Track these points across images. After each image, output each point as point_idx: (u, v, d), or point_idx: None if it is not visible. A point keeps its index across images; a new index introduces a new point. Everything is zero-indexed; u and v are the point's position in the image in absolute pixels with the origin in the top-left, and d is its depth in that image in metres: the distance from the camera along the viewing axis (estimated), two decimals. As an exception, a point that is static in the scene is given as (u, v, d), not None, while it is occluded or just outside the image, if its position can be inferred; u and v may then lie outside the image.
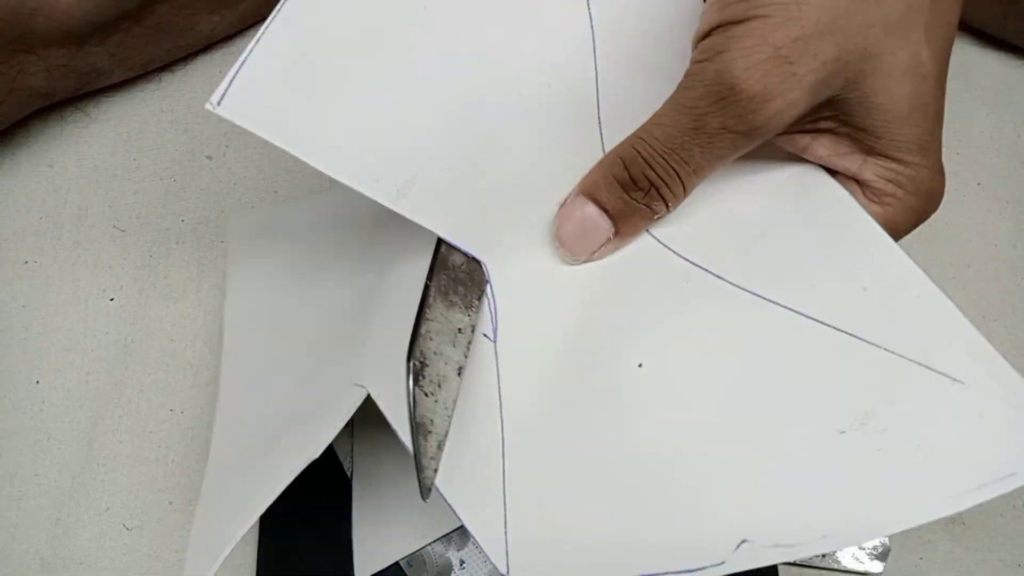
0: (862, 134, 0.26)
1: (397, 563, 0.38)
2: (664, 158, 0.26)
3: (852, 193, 0.27)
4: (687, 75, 0.26)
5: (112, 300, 0.42)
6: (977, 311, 0.44)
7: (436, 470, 0.25)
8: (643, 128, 0.27)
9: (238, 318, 0.39)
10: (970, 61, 0.49)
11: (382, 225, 0.37)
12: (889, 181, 0.27)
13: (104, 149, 0.45)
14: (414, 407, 0.24)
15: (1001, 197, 0.46)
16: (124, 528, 0.39)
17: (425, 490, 0.25)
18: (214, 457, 0.35)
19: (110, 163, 0.45)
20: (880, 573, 0.39)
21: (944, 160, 0.47)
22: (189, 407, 0.41)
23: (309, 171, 0.44)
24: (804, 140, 0.27)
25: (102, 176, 0.44)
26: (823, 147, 0.27)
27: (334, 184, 0.29)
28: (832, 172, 0.28)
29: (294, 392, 0.34)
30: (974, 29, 0.49)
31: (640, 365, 0.28)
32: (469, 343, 0.27)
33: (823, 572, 0.39)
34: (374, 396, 0.31)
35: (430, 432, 0.25)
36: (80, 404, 0.40)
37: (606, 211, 0.28)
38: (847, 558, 0.39)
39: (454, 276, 0.28)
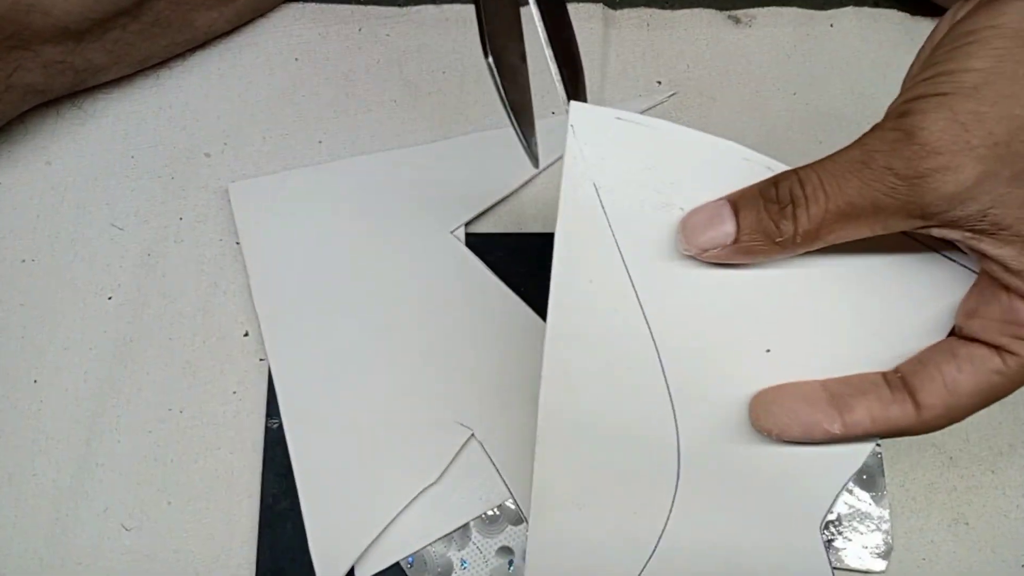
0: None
1: (398, 563, 0.38)
2: (819, 177, 0.27)
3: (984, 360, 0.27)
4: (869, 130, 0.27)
5: (110, 299, 0.42)
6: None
7: (537, 142, 0.30)
8: (815, 162, 0.27)
9: (268, 306, 0.42)
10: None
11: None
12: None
13: (102, 146, 0.45)
14: (506, 95, 0.28)
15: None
16: (123, 528, 0.39)
17: (533, 158, 0.29)
18: (306, 477, 0.39)
19: (108, 160, 0.44)
20: (883, 572, 0.39)
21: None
22: (188, 406, 0.40)
23: (307, 165, 0.44)
24: (986, 243, 0.26)
25: (100, 174, 0.44)
26: (993, 265, 0.27)
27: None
28: (1005, 288, 0.27)
29: (382, 415, 0.40)
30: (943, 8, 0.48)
31: (768, 351, 0.30)
32: (521, 31, 0.31)
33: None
34: (478, 437, 0.39)
35: (522, 111, 0.29)
36: (78, 403, 0.40)
37: (736, 216, 0.28)
38: (850, 557, 0.38)
39: None
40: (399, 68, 0.47)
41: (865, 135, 0.26)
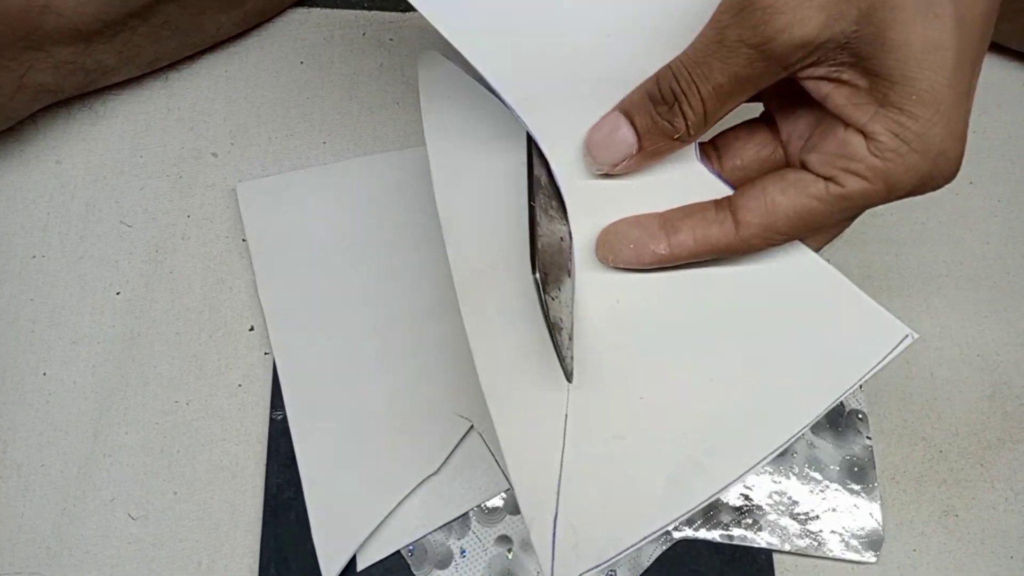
0: (876, 80, 0.26)
1: (399, 552, 0.38)
2: (688, 70, 0.28)
3: (858, 146, 0.27)
4: None
5: (119, 294, 0.43)
6: (970, 307, 0.44)
7: (572, 358, 0.29)
8: (683, 51, 0.29)
9: (274, 302, 0.43)
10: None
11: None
12: (895, 135, 0.26)
13: (111, 146, 0.46)
14: (547, 311, 0.28)
15: (993, 195, 0.47)
16: (129, 518, 0.39)
17: (568, 374, 0.28)
18: (309, 467, 0.40)
19: (117, 160, 0.45)
20: (874, 563, 0.39)
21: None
22: (194, 399, 0.41)
23: (312, 165, 0.45)
24: (825, 87, 0.27)
25: (109, 172, 0.45)
26: (841, 96, 0.27)
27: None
28: (844, 124, 0.28)
29: (384, 406, 0.40)
30: None
31: None
32: (571, 248, 0.31)
33: (817, 561, 0.39)
34: (477, 428, 0.40)
35: (562, 328, 0.28)
36: (86, 396, 0.41)
37: (633, 125, 0.29)
38: (841, 548, 0.39)
39: (547, 193, 0.31)
40: (401, 71, 0.48)
41: (717, 8, 0.27)
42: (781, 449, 0.30)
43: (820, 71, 0.27)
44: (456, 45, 0.30)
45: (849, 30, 0.25)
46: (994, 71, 0.49)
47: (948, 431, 0.42)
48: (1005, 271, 0.45)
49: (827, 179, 0.28)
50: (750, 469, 0.29)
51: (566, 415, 0.30)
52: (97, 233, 0.44)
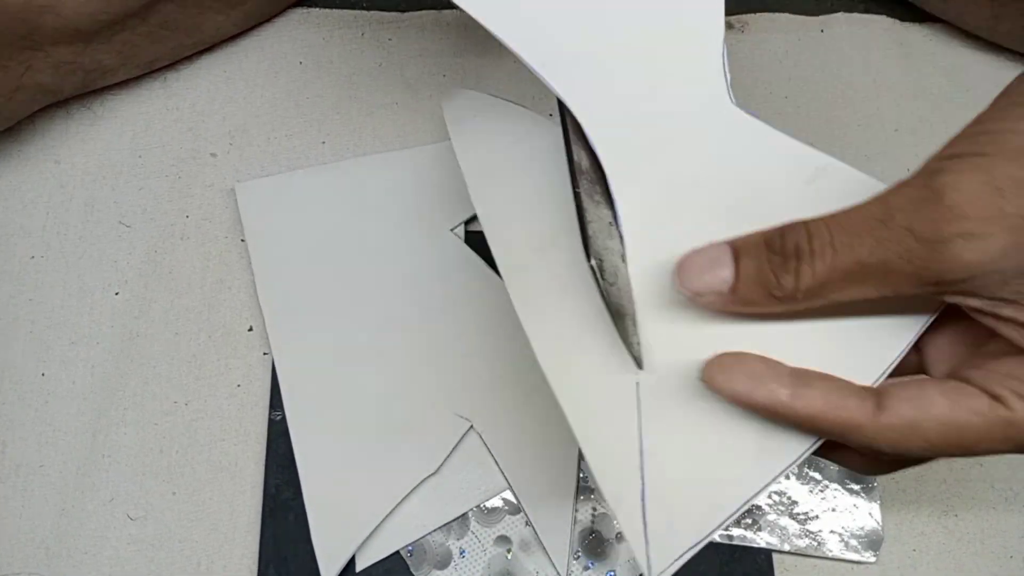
0: None
1: (398, 552, 0.38)
2: (830, 232, 0.25)
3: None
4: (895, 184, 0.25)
5: (117, 294, 0.43)
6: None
7: (640, 343, 0.28)
8: (830, 214, 0.25)
9: (273, 302, 0.43)
10: (963, 62, 0.50)
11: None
12: None
13: (110, 146, 0.46)
14: (608, 298, 0.28)
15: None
16: (128, 518, 0.39)
17: (638, 361, 0.28)
18: (308, 467, 0.40)
19: (116, 160, 0.45)
20: (873, 563, 0.39)
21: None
22: (193, 399, 0.41)
23: (311, 165, 0.45)
24: (1007, 311, 0.24)
25: (108, 173, 0.45)
26: (1014, 329, 0.25)
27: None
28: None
29: (383, 407, 0.41)
30: (966, 32, 0.49)
31: None
32: (621, 233, 0.29)
33: (816, 561, 0.39)
34: (476, 429, 0.40)
35: (624, 315, 0.28)
36: (85, 396, 0.41)
37: (737, 264, 0.26)
38: (841, 548, 0.39)
39: (590, 178, 0.30)
40: (401, 71, 0.48)
41: (888, 190, 0.24)
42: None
43: (983, 303, 0.24)
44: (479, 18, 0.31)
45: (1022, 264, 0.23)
46: (995, 71, 0.49)
47: (948, 431, 0.42)
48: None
49: (993, 397, 0.24)
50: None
51: (638, 398, 0.28)
52: (96, 233, 0.44)
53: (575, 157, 0.30)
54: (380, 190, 0.44)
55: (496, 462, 0.39)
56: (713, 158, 0.30)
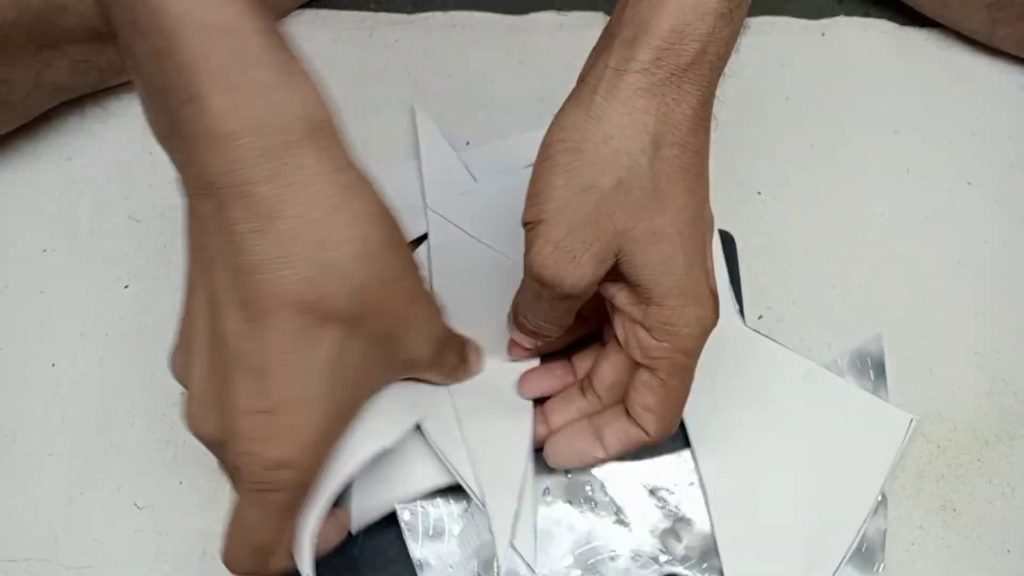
0: (639, 289, 0.33)
1: (395, 516, 0.38)
2: (528, 316, 0.36)
3: (638, 336, 0.34)
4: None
5: (127, 287, 0.44)
6: (969, 306, 0.45)
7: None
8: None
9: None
10: (962, 65, 0.51)
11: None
12: (663, 324, 0.33)
13: (121, 143, 0.47)
14: None
15: (991, 196, 0.47)
16: (135, 507, 0.40)
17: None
18: None
19: (127, 157, 0.46)
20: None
21: (935, 158, 0.48)
22: (200, 391, 0.42)
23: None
24: (612, 290, 0.34)
25: (119, 169, 0.46)
26: (623, 298, 0.34)
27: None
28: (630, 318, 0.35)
29: None
30: (965, 36, 0.50)
31: None
32: None
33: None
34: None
35: None
36: (94, 387, 0.42)
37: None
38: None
39: None
40: (407, 72, 0.49)
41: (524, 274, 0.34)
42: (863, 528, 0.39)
43: (604, 281, 0.34)
44: None
45: (614, 262, 0.32)
46: (993, 74, 0.50)
47: (946, 427, 0.43)
48: (1004, 270, 0.46)
49: (650, 370, 0.35)
50: (853, 542, 0.39)
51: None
52: (106, 228, 0.45)
53: None
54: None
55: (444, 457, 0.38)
56: (735, 361, 0.42)
